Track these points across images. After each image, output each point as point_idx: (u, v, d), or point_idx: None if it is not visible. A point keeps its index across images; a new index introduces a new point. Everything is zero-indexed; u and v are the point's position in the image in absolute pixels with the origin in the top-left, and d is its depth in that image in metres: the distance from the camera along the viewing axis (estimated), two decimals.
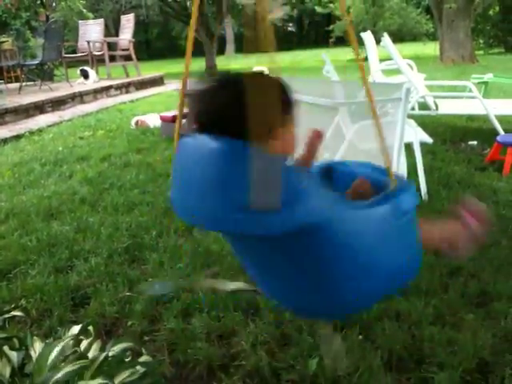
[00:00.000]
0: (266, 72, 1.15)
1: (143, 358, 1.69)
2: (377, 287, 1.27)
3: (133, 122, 6.76)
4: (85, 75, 10.62)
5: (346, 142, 3.09)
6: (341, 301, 1.25)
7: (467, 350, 1.88)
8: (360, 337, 2.03)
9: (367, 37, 6.34)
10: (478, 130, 5.56)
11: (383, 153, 1.34)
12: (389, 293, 1.43)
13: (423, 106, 5.20)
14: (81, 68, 10.83)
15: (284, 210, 0.99)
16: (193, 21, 1.16)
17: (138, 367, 1.56)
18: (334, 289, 1.22)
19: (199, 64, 19.64)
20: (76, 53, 12.09)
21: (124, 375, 1.43)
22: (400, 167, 2.73)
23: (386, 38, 4.86)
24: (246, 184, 0.96)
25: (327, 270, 1.18)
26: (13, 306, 2.23)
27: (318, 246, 1.13)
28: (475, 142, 4.99)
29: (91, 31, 11.92)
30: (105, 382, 1.33)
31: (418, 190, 3.47)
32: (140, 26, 28.44)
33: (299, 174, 1.09)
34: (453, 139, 5.17)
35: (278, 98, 1.00)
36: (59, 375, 1.33)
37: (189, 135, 1.18)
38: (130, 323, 2.22)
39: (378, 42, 6.41)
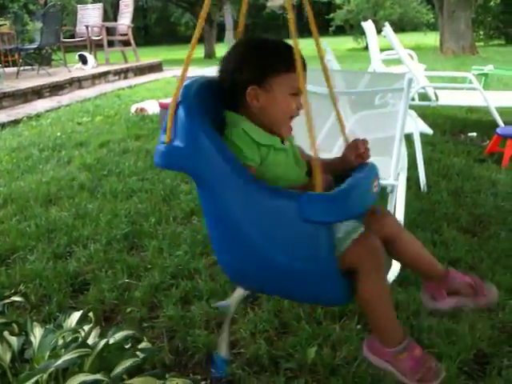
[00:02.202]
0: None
1: (143, 345, 1.70)
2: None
3: (133, 109, 6.72)
4: (83, 61, 10.54)
5: (346, 131, 3.07)
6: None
7: (465, 341, 1.89)
8: (358, 326, 2.04)
9: (368, 26, 6.29)
10: (478, 121, 5.55)
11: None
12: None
13: (423, 96, 5.19)
14: (79, 53, 10.74)
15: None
16: (203, 14, 1.15)
17: (138, 353, 1.56)
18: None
19: (198, 51, 19.52)
20: (74, 37, 11.99)
21: (125, 364, 1.43)
22: (400, 158, 2.72)
23: (388, 28, 4.83)
24: None
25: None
26: (12, 291, 2.24)
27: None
28: (475, 134, 4.99)
29: (90, 16, 11.82)
30: (101, 378, 1.33)
31: (418, 181, 3.47)
32: (139, 11, 28.23)
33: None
34: (452, 131, 5.17)
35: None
36: (59, 362, 1.34)
37: None
38: (129, 310, 2.22)
39: (378, 31, 6.37)
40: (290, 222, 1.19)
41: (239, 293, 1.52)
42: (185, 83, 1.29)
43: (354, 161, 1.36)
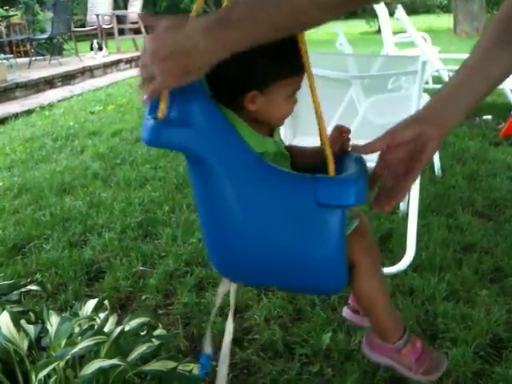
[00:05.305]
0: None
1: (158, 332, 1.71)
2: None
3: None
4: (100, 47, 10.57)
5: (359, 116, 3.05)
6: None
7: (481, 325, 1.88)
8: None
9: (381, 9, 6.21)
10: (493, 104, 5.46)
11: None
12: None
13: (437, 79, 5.12)
14: (97, 41, 10.77)
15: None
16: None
17: (153, 340, 1.57)
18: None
19: None
20: (85, 26, 12.00)
21: (141, 349, 1.44)
22: None
23: (400, 10, 4.77)
24: None
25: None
26: (28, 280, 2.26)
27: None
28: (490, 117, 4.92)
29: (100, 4, 11.80)
30: (118, 363, 1.33)
31: (432, 165, 3.44)
32: None
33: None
34: (467, 114, 5.09)
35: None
36: (76, 349, 1.35)
37: None
38: (144, 297, 2.24)
39: (391, 14, 6.29)
40: (304, 206, 1.13)
41: (224, 288, 1.37)
42: None
43: (337, 151, 1.16)
